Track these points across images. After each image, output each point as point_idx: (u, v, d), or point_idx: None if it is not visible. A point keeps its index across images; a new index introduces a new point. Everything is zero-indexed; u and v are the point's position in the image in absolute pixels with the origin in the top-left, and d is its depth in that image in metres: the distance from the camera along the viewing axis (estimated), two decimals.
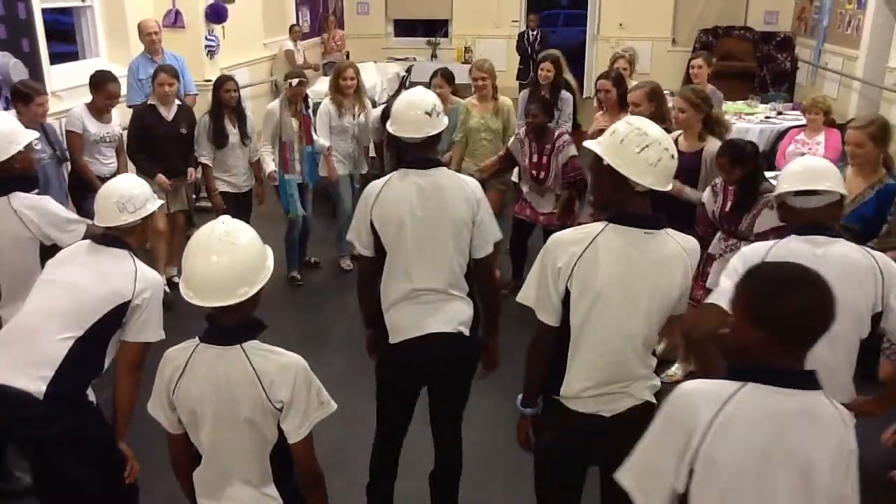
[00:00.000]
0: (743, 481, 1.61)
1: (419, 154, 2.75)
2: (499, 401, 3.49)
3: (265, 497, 2.13)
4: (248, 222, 2.38)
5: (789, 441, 1.61)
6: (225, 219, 2.11)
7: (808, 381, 1.67)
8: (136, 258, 2.64)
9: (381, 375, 2.89)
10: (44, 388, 2.43)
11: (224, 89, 5.27)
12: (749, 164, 3.63)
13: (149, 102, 5.27)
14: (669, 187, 2.24)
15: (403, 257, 2.70)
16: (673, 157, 2.21)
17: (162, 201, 2.84)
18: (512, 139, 5.15)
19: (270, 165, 5.42)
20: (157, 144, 5.13)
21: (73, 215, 3.21)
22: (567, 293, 2.24)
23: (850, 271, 2.36)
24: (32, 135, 3.29)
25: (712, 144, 4.06)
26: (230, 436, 2.07)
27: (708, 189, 3.93)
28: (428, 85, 5.80)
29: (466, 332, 2.78)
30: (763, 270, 1.73)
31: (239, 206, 5.32)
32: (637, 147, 2.18)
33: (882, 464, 3.57)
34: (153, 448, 2.57)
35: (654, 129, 2.24)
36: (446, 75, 5.64)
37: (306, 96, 5.69)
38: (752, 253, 2.49)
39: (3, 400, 2.44)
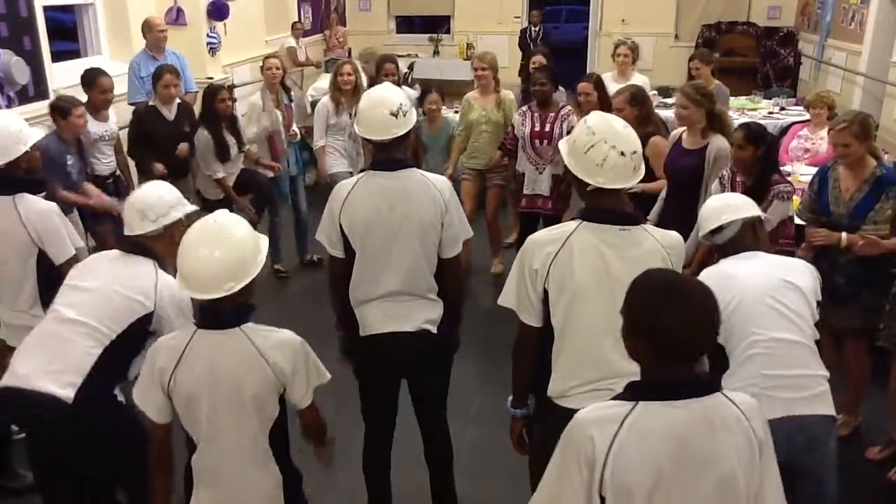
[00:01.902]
0: (658, 500, 1.58)
1: (387, 154, 2.74)
2: (501, 398, 3.49)
3: (266, 473, 2.20)
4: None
5: (694, 453, 1.58)
6: (219, 214, 2.20)
7: (701, 387, 1.64)
8: (159, 269, 2.65)
9: (357, 369, 2.92)
10: (72, 394, 2.46)
11: (219, 99, 5.14)
12: (762, 147, 3.60)
13: (150, 103, 5.24)
14: (629, 184, 2.24)
15: (371, 260, 2.72)
16: (623, 154, 2.19)
17: (194, 207, 2.80)
18: (514, 116, 5.15)
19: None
20: (160, 145, 5.11)
21: (71, 233, 3.21)
22: (546, 294, 2.26)
23: (785, 267, 2.63)
24: (38, 134, 3.30)
25: (717, 141, 4.03)
26: (232, 417, 2.14)
27: (716, 182, 3.91)
28: (427, 90, 5.78)
29: (433, 329, 2.79)
30: (640, 282, 1.70)
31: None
32: (584, 147, 2.22)
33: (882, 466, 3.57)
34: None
35: (603, 128, 2.23)
36: (441, 92, 5.66)
37: (287, 87, 5.70)
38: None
39: (33, 405, 2.47)
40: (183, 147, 5.14)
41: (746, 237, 2.72)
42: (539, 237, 2.32)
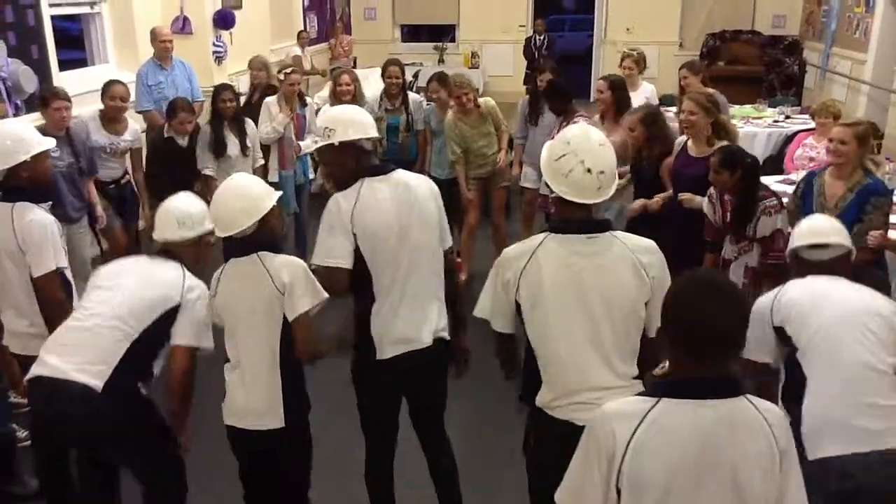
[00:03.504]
0: (672, 498, 1.60)
1: (371, 160, 2.74)
2: (503, 405, 3.49)
3: (271, 377, 2.62)
4: None
5: (712, 453, 1.60)
6: (237, 174, 2.81)
7: (726, 389, 1.65)
8: (186, 271, 2.76)
9: (365, 388, 2.81)
10: (101, 384, 2.54)
11: (220, 99, 5.23)
12: (738, 171, 3.58)
13: (165, 135, 5.24)
14: (592, 201, 2.26)
15: (390, 265, 2.64)
16: (589, 171, 2.23)
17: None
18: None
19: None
20: (175, 169, 5.11)
21: (58, 254, 3.17)
22: (518, 306, 2.29)
23: (870, 295, 2.52)
24: (47, 144, 3.28)
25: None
26: (248, 323, 2.62)
27: (705, 200, 3.91)
28: (431, 81, 5.80)
29: (446, 336, 2.79)
30: (677, 280, 1.76)
31: None
32: (557, 155, 2.28)
33: None
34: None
35: (578, 141, 2.28)
36: (443, 80, 5.63)
37: (302, 95, 5.73)
38: (760, 304, 2.60)
39: (65, 393, 2.53)
40: None
41: (841, 266, 2.67)
42: (510, 250, 2.36)
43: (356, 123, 2.68)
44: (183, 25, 7.64)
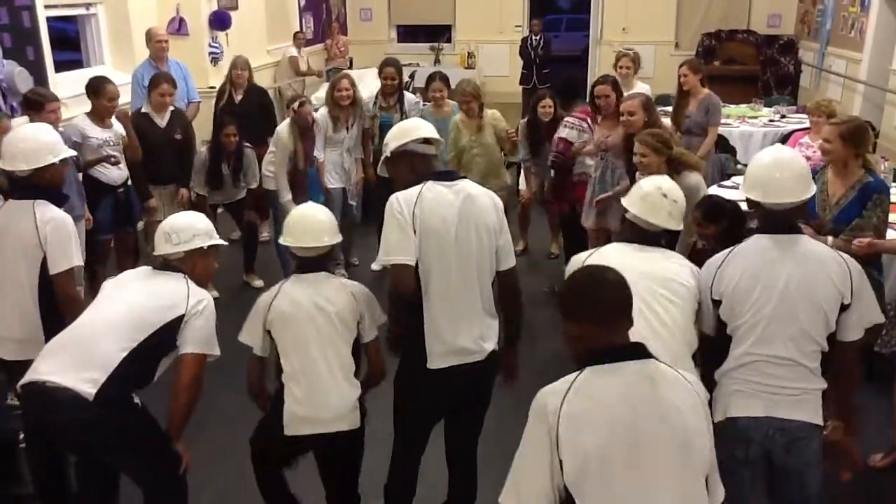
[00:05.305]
0: (612, 457, 1.73)
1: (433, 166, 2.76)
2: (505, 407, 3.49)
3: (350, 384, 2.78)
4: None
5: (643, 407, 1.76)
6: (310, 204, 3.06)
7: (639, 352, 1.86)
8: (190, 283, 2.76)
9: (409, 394, 2.78)
10: (93, 392, 2.52)
11: (224, 133, 5.29)
12: (723, 222, 3.47)
13: (142, 110, 5.27)
14: (659, 223, 2.65)
15: (444, 272, 2.62)
16: (665, 195, 2.66)
17: (222, 242, 2.95)
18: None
19: (286, 196, 5.31)
20: (152, 151, 5.13)
21: (78, 252, 3.23)
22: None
23: (815, 266, 2.47)
24: (70, 151, 3.38)
25: (685, 180, 3.89)
26: (319, 328, 2.73)
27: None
28: (431, 79, 5.80)
29: (496, 348, 2.78)
30: (569, 283, 2.01)
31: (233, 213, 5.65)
32: (640, 186, 2.74)
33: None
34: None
35: (658, 177, 2.84)
36: (444, 79, 5.69)
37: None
38: (711, 261, 2.65)
39: (56, 401, 2.52)
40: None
41: (797, 214, 2.61)
42: (581, 258, 2.71)
43: (402, 132, 2.76)
44: (179, 26, 7.64)
